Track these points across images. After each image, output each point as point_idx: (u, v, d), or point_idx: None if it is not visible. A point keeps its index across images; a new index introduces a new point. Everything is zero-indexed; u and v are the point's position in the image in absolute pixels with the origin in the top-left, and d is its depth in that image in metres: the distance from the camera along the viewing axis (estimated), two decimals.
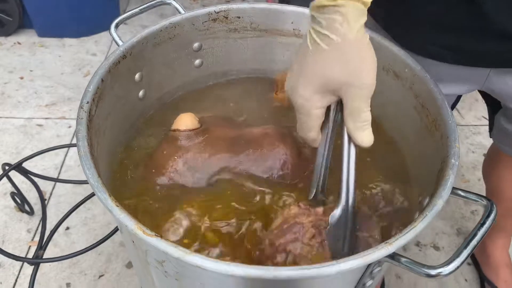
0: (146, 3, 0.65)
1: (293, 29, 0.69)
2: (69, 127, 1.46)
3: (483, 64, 0.64)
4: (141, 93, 0.65)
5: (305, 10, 0.66)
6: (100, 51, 1.80)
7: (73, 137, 1.43)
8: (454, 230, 1.23)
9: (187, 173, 0.57)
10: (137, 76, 0.62)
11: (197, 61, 0.70)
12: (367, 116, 0.46)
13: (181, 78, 0.70)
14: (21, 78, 1.65)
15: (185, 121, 0.61)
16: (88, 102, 0.51)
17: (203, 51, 0.69)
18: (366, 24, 0.67)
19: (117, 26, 0.62)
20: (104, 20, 1.88)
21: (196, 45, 0.68)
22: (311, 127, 0.49)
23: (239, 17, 0.67)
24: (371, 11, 0.76)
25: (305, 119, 0.48)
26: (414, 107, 0.59)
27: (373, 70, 0.45)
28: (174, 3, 0.66)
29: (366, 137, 0.47)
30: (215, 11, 0.65)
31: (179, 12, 0.66)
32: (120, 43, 0.60)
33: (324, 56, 0.45)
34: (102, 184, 0.43)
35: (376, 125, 0.66)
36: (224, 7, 0.65)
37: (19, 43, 1.81)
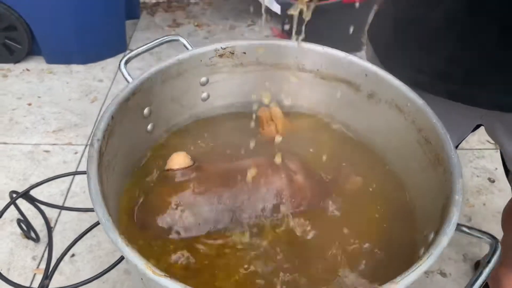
0: (153, 41, 0.67)
1: (297, 64, 0.70)
2: (76, 153, 1.48)
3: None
4: (149, 126, 0.66)
5: (309, 46, 0.68)
6: (106, 77, 1.83)
7: (79, 163, 1.45)
8: (461, 256, 1.22)
9: (183, 213, 0.58)
10: (146, 110, 0.64)
11: (204, 94, 0.72)
12: None
13: (188, 111, 0.72)
14: (29, 104, 1.67)
15: (178, 160, 0.62)
16: (98, 140, 0.52)
17: (210, 85, 0.71)
18: (367, 55, 0.69)
19: (126, 63, 0.64)
20: (111, 46, 1.92)
21: (203, 79, 0.69)
22: None
23: (244, 53, 0.69)
24: (372, 40, 0.78)
25: None
26: (417, 141, 0.60)
27: None
28: (181, 39, 0.68)
29: None
30: (221, 47, 0.67)
31: (187, 49, 0.68)
32: (129, 79, 0.62)
33: None
34: (112, 223, 0.44)
35: (380, 158, 0.68)
36: (231, 43, 0.67)
37: (27, 69, 1.85)
